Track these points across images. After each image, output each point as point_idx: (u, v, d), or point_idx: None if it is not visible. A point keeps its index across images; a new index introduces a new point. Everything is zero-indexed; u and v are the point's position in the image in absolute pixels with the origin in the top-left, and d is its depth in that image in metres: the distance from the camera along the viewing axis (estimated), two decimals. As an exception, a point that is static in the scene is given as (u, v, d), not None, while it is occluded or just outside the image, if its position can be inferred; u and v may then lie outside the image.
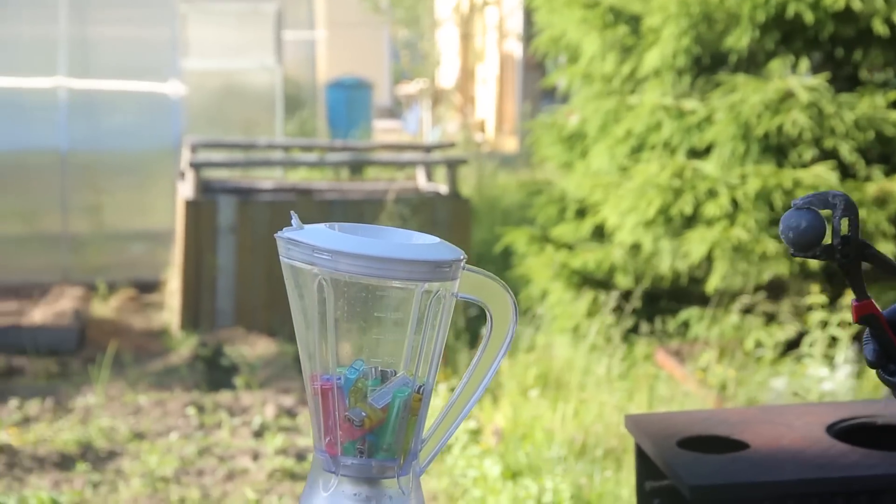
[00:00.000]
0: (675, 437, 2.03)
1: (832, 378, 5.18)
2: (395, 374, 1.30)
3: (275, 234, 1.31)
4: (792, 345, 5.57)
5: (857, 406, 2.19)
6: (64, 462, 5.12)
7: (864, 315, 1.25)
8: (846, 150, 5.38)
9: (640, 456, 2.13)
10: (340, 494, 1.31)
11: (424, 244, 1.31)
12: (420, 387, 1.31)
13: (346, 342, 1.30)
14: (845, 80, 5.78)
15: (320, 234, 1.29)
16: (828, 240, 1.26)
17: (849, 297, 5.17)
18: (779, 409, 2.18)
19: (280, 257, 1.31)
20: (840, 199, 1.26)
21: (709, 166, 5.59)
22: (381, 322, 1.29)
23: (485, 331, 1.37)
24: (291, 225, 1.32)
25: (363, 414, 1.28)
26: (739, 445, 2.00)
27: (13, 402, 5.91)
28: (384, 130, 16.69)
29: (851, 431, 2.04)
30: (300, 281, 1.30)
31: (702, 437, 2.04)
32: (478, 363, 1.37)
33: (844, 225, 1.25)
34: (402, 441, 1.31)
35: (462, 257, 1.30)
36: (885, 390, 4.59)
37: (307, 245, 1.27)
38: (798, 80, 5.45)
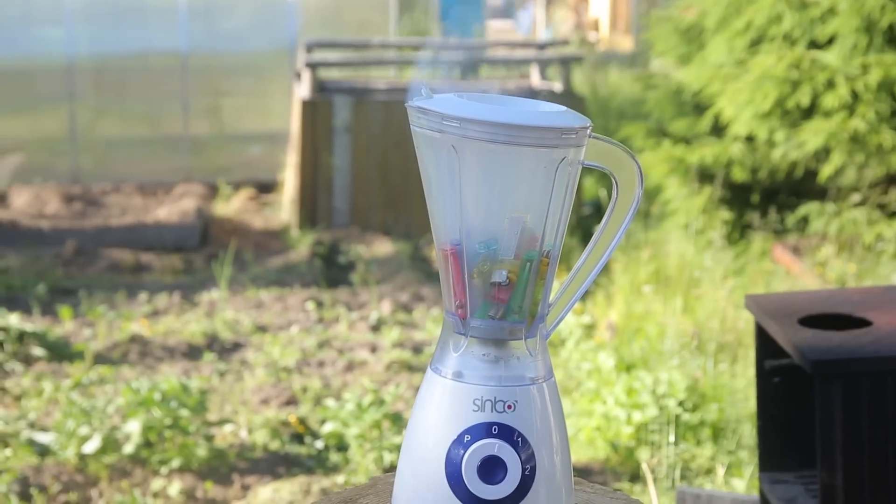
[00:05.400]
0: (796, 315, 2.04)
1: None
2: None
3: (406, 104, 1.34)
4: (915, 239, 5.45)
5: (983, 286, 2.16)
6: (192, 352, 5.32)
7: None
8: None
9: (761, 335, 2.14)
10: (470, 355, 1.36)
11: (551, 111, 1.34)
12: (547, 252, 1.34)
13: (474, 208, 1.33)
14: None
15: (449, 102, 1.32)
16: None
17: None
18: (902, 288, 2.17)
19: (410, 126, 1.35)
20: None
21: (829, 56, 5.46)
22: (508, 189, 1.32)
23: (610, 200, 1.40)
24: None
25: (505, 273, 1.32)
26: (862, 323, 2.00)
27: (143, 296, 6.14)
28: (497, 30, 16.54)
29: (977, 310, 2.02)
30: (429, 149, 1.34)
31: (823, 315, 2.04)
32: (604, 229, 1.39)
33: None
34: (530, 304, 1.35)
35: (588, 124, 1.32)
36: None
37: (436, 113, 1.30)
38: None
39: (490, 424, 1.33)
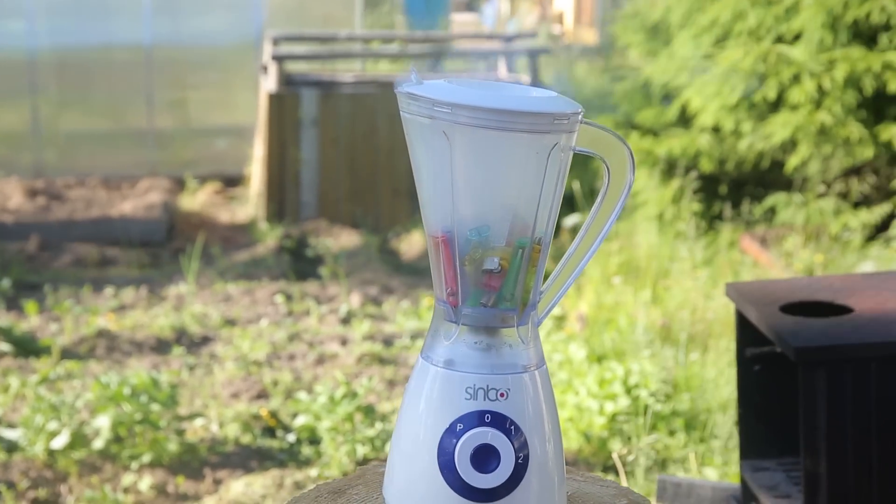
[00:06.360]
0: (777, 302, 2.04)
1: (922, 262, 5.12)
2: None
3: (395, 90, 1.32)
4: (881, 228, 5.51)
5: (962, 272, 2.18)
6: (160, 346, 5.27)
7: None
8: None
9: (741, 323, 2.15)
10: (461, 343, 1.34)
11: (542, 97, 1.32)
12: (539, 238, 1.33)
13: (465, 195, 1.32)
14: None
15: (440, 88, 1.30)
16: None
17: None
18: (882, 275, 2.18)
19: (400, 112, 1.33)
20: None
21: (795, 51, 5.50)
22: (499, 175, 1.31)
23: (601, 185, 1.39)
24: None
25: (497, 260, 1.31)
26: (843, 310, 2.01)
27: (109, 290, 6.08)
28: (461, 24, 16.53)
29: (957, 296, 2.03)
30: (419, 135, 1.32)
31: (804, 302, 2.05)
32: (595, 215, 1.39)
33: None
34: (521, 291, 1.34)
35: (580, 110, 1.31)
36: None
37: (427, 99, 1.29)
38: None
39: (483, 413, 1.32)
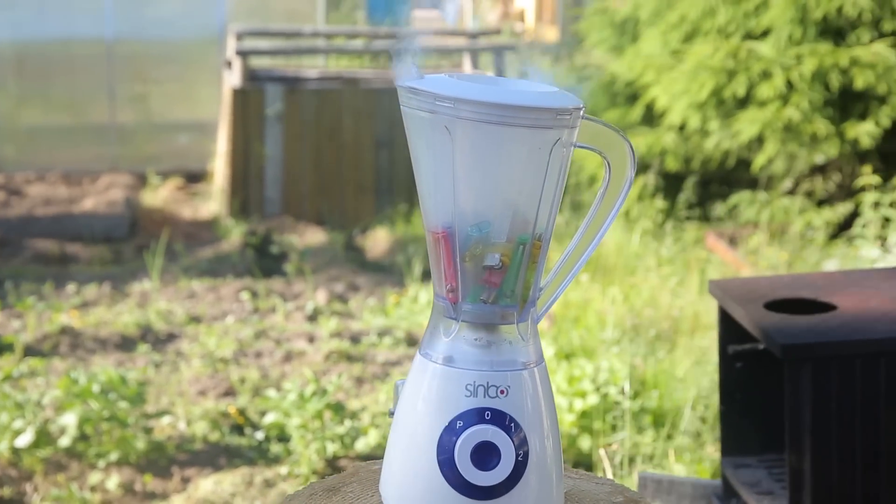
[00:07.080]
0: (761, 300, 2.05)
1: (884, 259, 5.18)
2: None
3: (396, 84, 1.31)
4: (844, 226, 5.57)
5: (942, 270, 2.20)
6: (125, 343, 5.22)
7: None
8: (908, 28, 5.31)
9: (724, 320, 2.15)
10: (461, 340, 1.34)
11: (544, 92, 1.32)
12: (540, 235, 1.33)
13: (466, 190, 1.31)
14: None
15: (441, 82, 1.29)
16: None
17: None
18: (864, 272, 2.20)
19: (401, 107, 1.32)
20: None
21: (764, 47, 5.54)
22: (501, 170, 1.30)
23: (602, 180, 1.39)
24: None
25: (497, 256, 1.30)
26: (826, 307, 2.02)
27: (71, 287, 6.01)
28: (423, 20, 16.51)
29: (938, 294, 2.05)
30: (420, 130, 1.31)
31: (788, 300, 2.06)
32: (596, 211, 1.38)
33: None
34: (521, 288, 1.33)
35: (582, 106, 1.30)
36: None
37: (429, 93, 1.28)
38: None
39: (483, 410, 1.31)
